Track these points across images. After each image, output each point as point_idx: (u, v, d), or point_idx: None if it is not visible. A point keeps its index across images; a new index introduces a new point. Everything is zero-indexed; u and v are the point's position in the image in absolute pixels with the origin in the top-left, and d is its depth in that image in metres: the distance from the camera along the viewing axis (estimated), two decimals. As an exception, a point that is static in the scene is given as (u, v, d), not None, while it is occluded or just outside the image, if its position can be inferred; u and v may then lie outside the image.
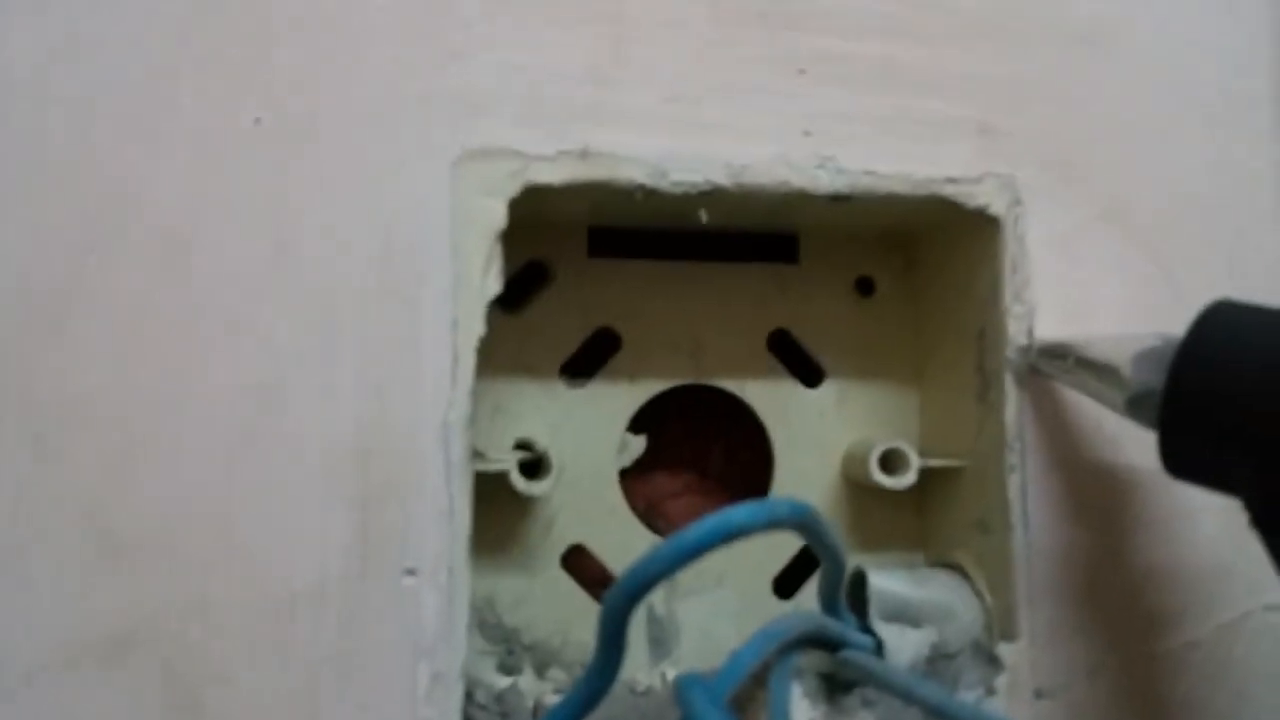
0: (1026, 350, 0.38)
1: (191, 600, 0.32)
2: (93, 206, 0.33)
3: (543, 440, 0.40)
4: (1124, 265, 0.40)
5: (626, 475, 0.43)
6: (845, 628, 0.36)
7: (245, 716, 0.32)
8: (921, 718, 0.37)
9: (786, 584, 0.44)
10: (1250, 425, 0.29)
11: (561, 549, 0.42)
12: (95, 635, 0.31)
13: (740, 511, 0.27)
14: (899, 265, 0.45)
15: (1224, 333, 0.31)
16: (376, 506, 0.33)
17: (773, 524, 0.27)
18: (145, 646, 0.32)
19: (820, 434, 0.45)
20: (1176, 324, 0.40)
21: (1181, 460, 0.32)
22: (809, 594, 0.44)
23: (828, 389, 0.45)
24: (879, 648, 0.37)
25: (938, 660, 0.38)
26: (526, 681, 0.39)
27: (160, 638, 0.32)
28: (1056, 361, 0.37)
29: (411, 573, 0.33)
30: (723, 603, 0.43)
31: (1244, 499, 0.30)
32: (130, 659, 0.32)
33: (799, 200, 0.38)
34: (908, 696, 0.31)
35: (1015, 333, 0.39)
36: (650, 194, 0.36)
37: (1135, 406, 0.33)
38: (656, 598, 0.42)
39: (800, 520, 0.28)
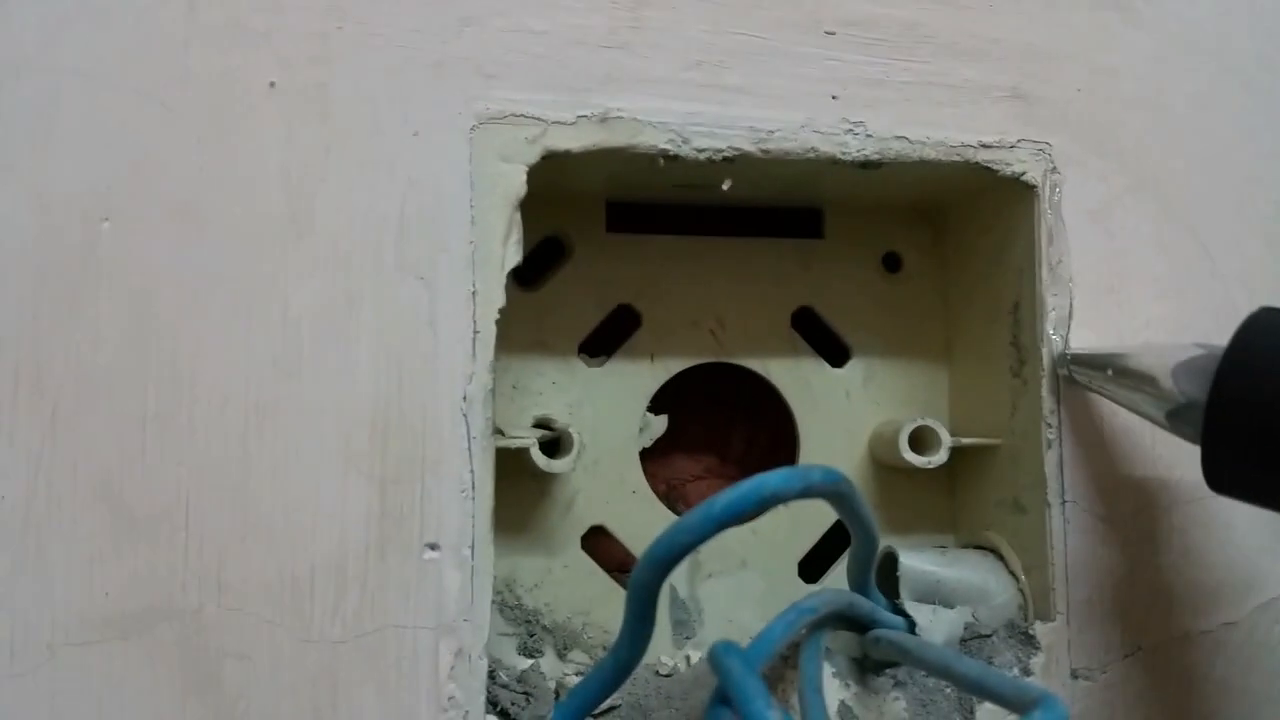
0: (1061, 359, 0.37)
1: (208, 576, 0.31)
2: (105, 178, 0.32)
3: (562, 420, 0.40)
4: (1160, 238, 0.39)
5: (646, 457, 0.42)
6: (876, 607, 0.35)
7: (264, 694, 0.31)
8: (953, 700, 0.36)
9: (812, 567, 0.43)
10: None
11: (582, 530, 0.41)
12: (113, 610, 0.31)
13: (775, 477, 0.26)
14: (927, 239, 0.44)
15: (1268, 340, 0.30)
16: (395, 481, 0.32)
17: (807, 491, 0.26)
18: (163, 622, 0.31)
19: (846, 414, 0.44)
20: (1213, 298, 0.39)
21: (1226, 476, 0.31)
22: (836, 578, 0.42)
23: (854, 367, 0.44)
24: (911, 629, 0.36)
25: (972, 641, 0.37)
26: (548, 664, 0.38)
27: (178, 613, 0.31)
28: (1092, 372, 0.36)
29: (434, 547, 0.32)
30: (747, 585, 0.42)
31: None
32: (148, 634, 0.31)
33: (827, 168, 0.37)
34: (945, 672, 0.30)
35: (1052, 306, 0.38)
36: (672, 161, 0.35)
37: (1176, 419, 0.32)
38: (679, 579, 0.41)
39: (834, 488, 0.27)
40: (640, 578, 0.27)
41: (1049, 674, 0.36)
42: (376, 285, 0.33)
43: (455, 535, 0.33)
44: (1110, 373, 0.35)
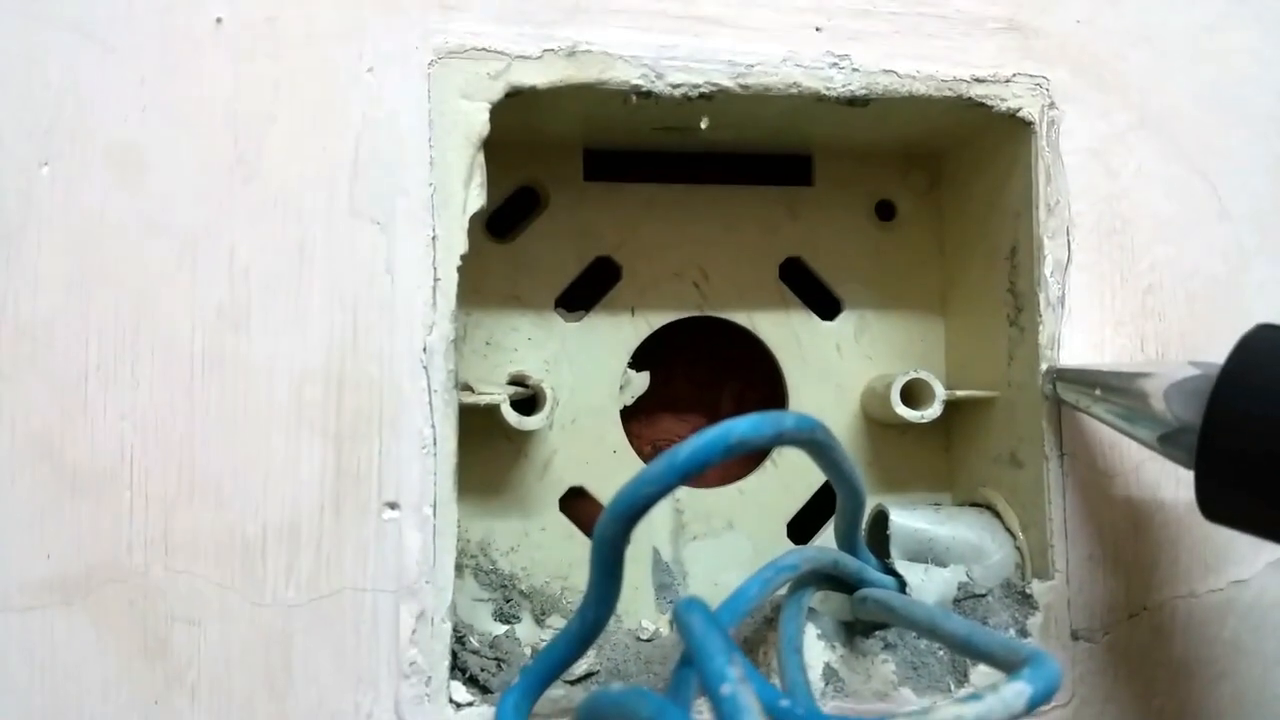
0: (1046, 375, 0.35)
1: (155, 537, 0.30)
2: (44, 119, 0.31)
3: (538, 377, 0.38)
4: (1165, 177, 0.37)
5: (629, 415, 0.40)
6: (864, 566, 0.33)
7: (215, 660, 0.30)
8: (945, 663, 0.34)
9: (801, 528, 0.41)
10: None
11: (560, 491, 0.39)
12: (56, 573, 0.29)
13: (743, 423, 0.24)
14: (922, 185, 0.42)
15: (1266, 361, 0.28)
16: (351, 436, 0.31)
17: (778, 438, 0.24)
18: (108, 585, 0.29)
19: (838, 368, 0.42)
20: (1221, 240, 0.37)
21: (1220, 505, 0.29)
22: (826, 540, 0.41)
23: (845, 320, 0.42)
24: (902, 589, 0.34)
25: (966, 601, 0.35)
26: (525, 629, 0.36)
27: (123, 576, 0.29)
28: (1079, 390, 0.33)
29: (393, 506, 0.31)
30: (733, 547, 0.40)
31: None
32: (93, 598, 0.29)
33: (811, 106, 0.35)
34: (932, 631, 0.28)
35: (1050, 250, 0.35)
36: (645, 98, 0.33)
37: (1169, 443, 0.30)
38: (662, 541, 0.40)
39: (809, 435, 0.25)
40: (604, 532, 0.25)
41: (1047, 635, 0.34)
42: (329, 230, 0.31)
43: (416, 494, 0.31)
44: (1099, 392, 0.32)
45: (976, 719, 0.22)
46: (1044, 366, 0.35)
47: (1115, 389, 0.32)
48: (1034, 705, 0.23)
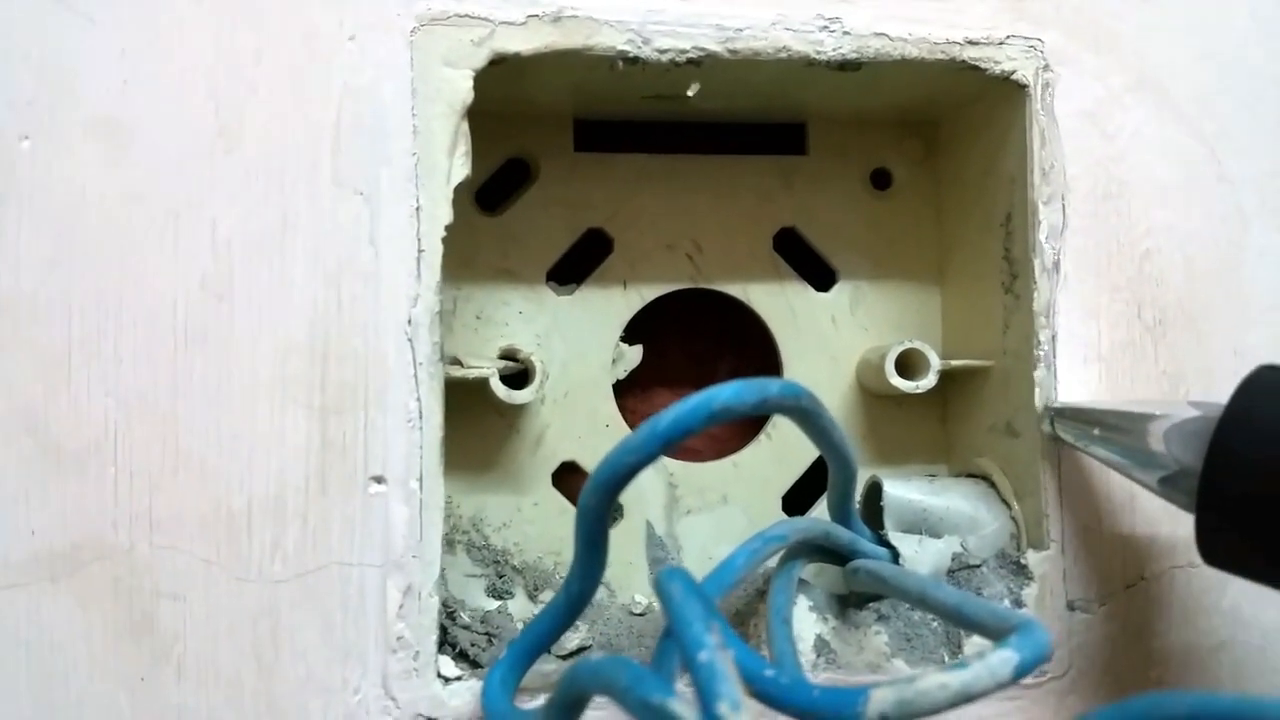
0: (1044, 413, 0.34)
1: (140, 513, 0.30)
2: (24, 94, 0.30)
3: (530, 351, 0.37)
4: (1163, 140, 0.36)
5: (622, 389, 0.40)
6: (856, 537, 0.33)
7: (201, 635, 0.29)
8: (939, 635, 0.34)
9: (797, 502, 0.41)
10: None
11: (553, 466, 0.39)
12: (40, 550, 0.29)
13: (726, 390, 0.24)
14: (918, 153, 0.42)
15: (1269, 404, 0.27)
16: (336, 410, 0.30)
17: (762, 405, 0.24)
18: (94, 562, 0.29)
19: (833, 340, 0.41)
20: (1221, 204, 0.37)
21: (1221, 550, 0.28)
22: (822, 513, 0.40)
23: (840, 291, 0.41)
24: (896, 561, 0.34)
25: (960, 572, 0.34)
26: (518, 605, 0.36)
27: (109, 552, 0.29)
28: (1078, 429, 0.33)
29: (379, 480, 0.30)
30: (727, 521, 0.40)
31: None
32: (78, 575, 0.29)
33: (803, 71, 0.35)
34: (922, 600, 0.27)
35: (1045, 215, 0.35)
36: (633, 64, 0.33)
37: (1169, 486, 0.29)
38: (656, 516, 0.39)
39: (795, 403, 0.25)
40: (587, 502, 0.25)
41: (1043, 605, 0.34)
42: (312, 201, 0.31)
43: (402, 468, 0.31)
44: (1098, 432, 0.32)
45: (962, 687, 0.22)
46: (1040, 406, 0.34)
47: (1114, 428, 0.31)
48: (1021, 673, 0.23)
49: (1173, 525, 0.35)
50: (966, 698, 0.22)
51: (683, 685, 0.28)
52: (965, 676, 0.22)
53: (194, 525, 0.30)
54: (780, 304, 0.41)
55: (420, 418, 0.31)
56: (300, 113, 0.31)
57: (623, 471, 0.24)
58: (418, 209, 0.31)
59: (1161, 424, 0.29)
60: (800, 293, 0.41)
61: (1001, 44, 0.35)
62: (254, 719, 0.29)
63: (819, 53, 0.34)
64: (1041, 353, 0.34)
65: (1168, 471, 0.29)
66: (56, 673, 0.29)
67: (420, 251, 0.31)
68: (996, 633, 0.24)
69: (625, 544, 0.39)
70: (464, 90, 0.31)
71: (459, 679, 0.31)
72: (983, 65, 0.35)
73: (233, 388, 0.30)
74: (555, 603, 0.28)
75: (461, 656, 0.32)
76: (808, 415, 0.26)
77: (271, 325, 0.30)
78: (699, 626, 0.20)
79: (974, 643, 0.33)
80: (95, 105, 0.31)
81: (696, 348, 0.43)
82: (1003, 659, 0.22)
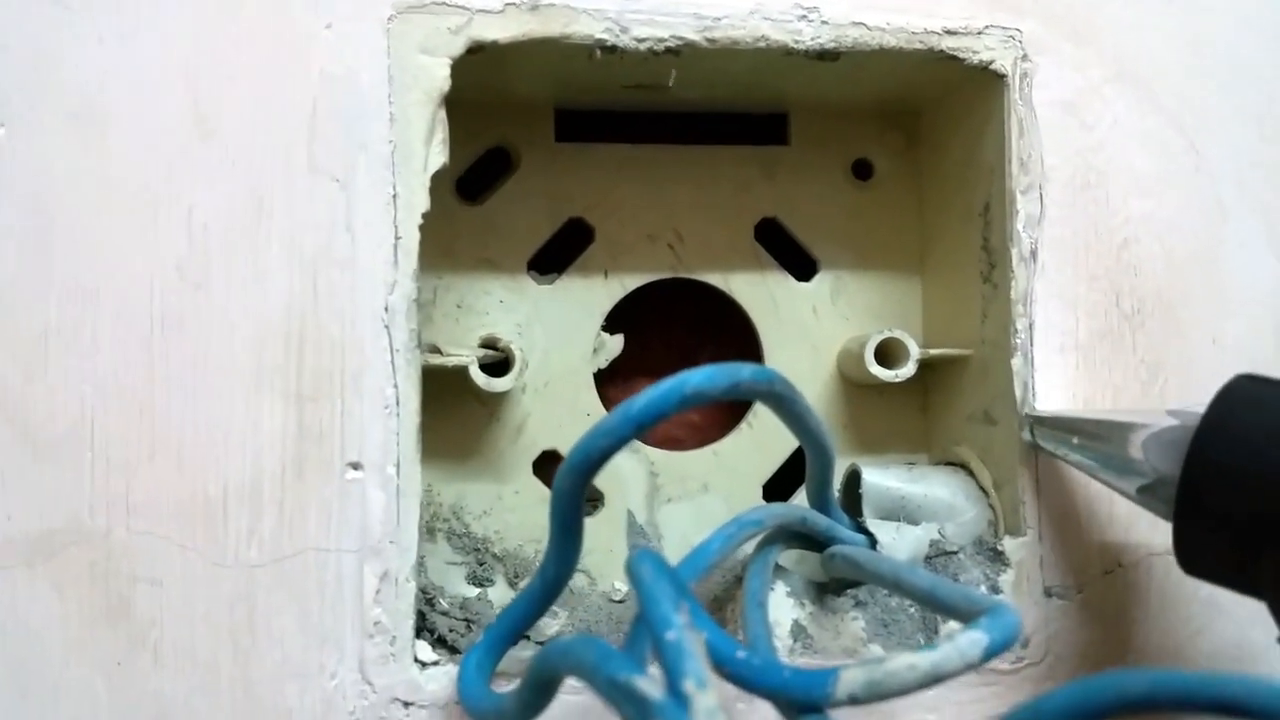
0: (1023, 421, 0.34)
1: (116, 498, 0.30)
2: (2, 80, 0.30)
3: (510, 340, 0.37)
4: (1142, 130, 0.36)
5: (603, 379, 0.40)
6: (834, 524, 0.33)
7: (178, 620, 0.29)
8: (917, 620, 0.34)
9: (777, 491, 0.41)
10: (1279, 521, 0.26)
11: (534, 455, 0.39)
12: (17, 535, 0.29)
13: (698, 374, 0.24)
14: (899, 144, 0.42)
15: (1246, 414, 0.27)
16: (313, 397, 0.30)
17: (734, 389, 0.24)
18: (70, 547, 0.29)
19: (814, 330, 0.41)
20: (1200, 195, 0.37)
21: (1200, 559, 0.28)
22: (803, 502, 0.40)
23: (821, 281, 0.42)
24: (873, 547, 0.34)
25: (937, 559, 0.35)
26: (498, 593, 0.36)
27: (85, 537, 0.29)
28: (1057, 437, 0.33)
29: (356, 467, 0.31)
30: (708, 510, 0.40)
31: (1270, 603, 0.26)
32: (54, 560, 0.29)
33: (782, 61, 0.35)
34: (896, 585, 0.28)
35: (1023, 204, 0.35)
36: (611, 53, 0.33)
37: (1148, 495, 0.30)
38: (637, 504, 0.40)
39: (768, 387, 0.25)
40: (562, 485, 0.25)
41: (1020, 591, 0.34)
42: (288, 188, 0.31)
43: (379, 454, 0.31)
44: (1076, 440, 0.32)
45: (931, 668, 0.22)
46: (1023, 411, 0.34)
47: (1093, 436, 0.31)
48: (991, 654, 0.23)
49: (1150, 514, 0.36)
50: (936, 679, 0.22)
51: (656, 671, 0.28)
52: (934, 657, 0.22)
53: (170, 511, 0.30)
54: (761, 294, 0.41)
55: (397, 404, 0.31)
56: (277, 100, 0.31)
57: (596, 455, 0.24)
58: (394, 196, 0.31)
59: (1140, 433, 0.30)
60: (781, 283, 0.41)
61: (980, 34, 0.35)
62: (230, 704, 0.29)
63: (797, 42, 0.34)
64: (1019, 341, 0.35)
65: (1146, 480, 0.29)
66: (32, 658, 0.29)
67: (397, 239, 0.31)
68: (968, 615, 0.24)
69: (606, 532, 0.39)
70: (441, 78, 0.32)
71: (436, 664, 0.31)
72: (961, 55, 0.35)
73: (209, 374, 0.30)
74: (531, 587, 0.28)
75: (440, 642, 0.32)
76: (781, 400, 0.26)
77: (248, 312, 0.30)
78: (667, 606, 0.20)
79: (951, 628, 0.33)
80: (72, 93, 0.31)
81: (677, 337, 0.43)
82: (972, 640, 0.23)
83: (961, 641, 0.22)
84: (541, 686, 0.23)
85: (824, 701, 0.23)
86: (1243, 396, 0.28)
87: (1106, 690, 0.18)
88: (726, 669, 0.24)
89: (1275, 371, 0.29)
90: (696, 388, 0.24)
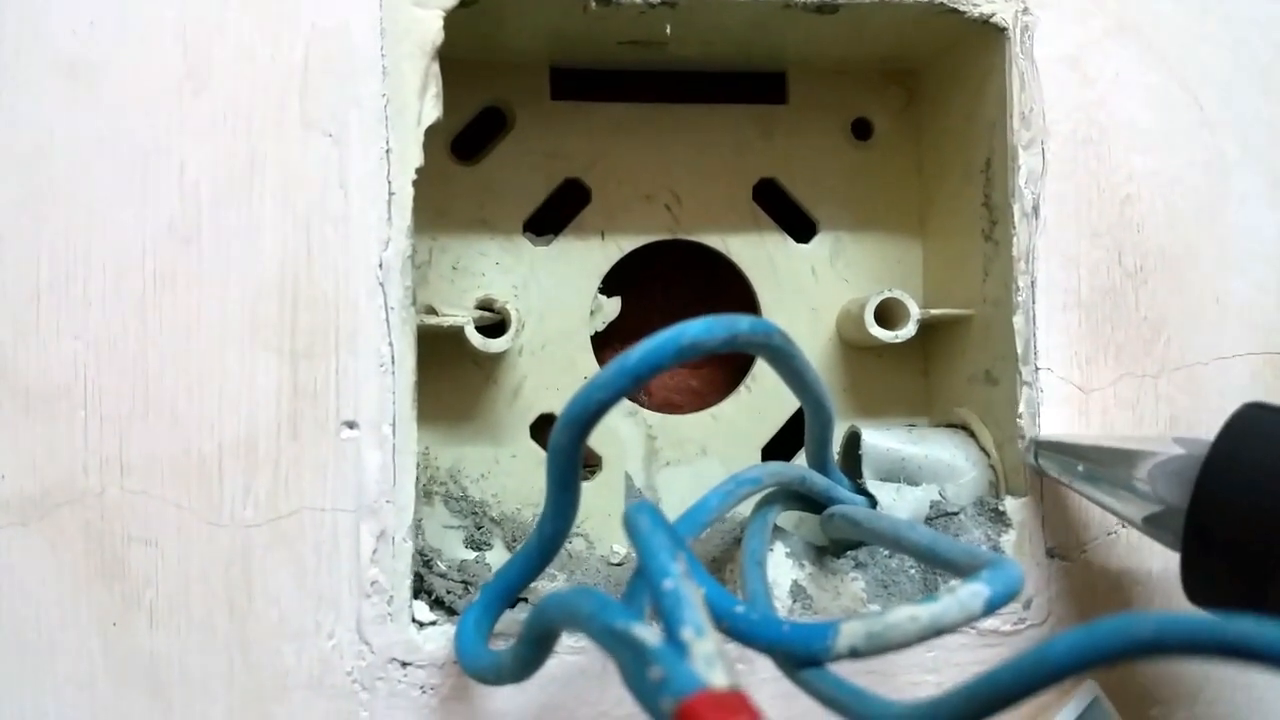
0: (1028, 446, 0.34)
1: (110, 457, 0.29)
2: (-13, 34, 0.30)
3: (507, 302, 0.37)
4: (1144, 84, 0.36)
5: (601, 341, 0.40)
6: (833, 484, 0.33)
7: (173, 580, 0.29)
8: (916, 581, 0.34)
9: (777, 455, 0.41)
10: None
11: (531, 418, 0.39)
12: (10, 494, 0.29)
13: (695, 325, 0.23)
14: (899, 103, 0.41)
15: (1255, 445, 0.27)
16: (308, 355, 0.30)
17: (732, 341, 0.24)
18: (64, 506, 0.29)
19: (813, 292, 0.41)
20: (1203, 150, 0.36)
21: (1208, 591, 0.28)
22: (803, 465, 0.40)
23: (821, 242, 0.41)
24: (873, 508, 0.34)
25: (938, 519, 0.34)
26: (495, 556, 0.36)
27: (79, 497, 0.29)
28: (1062, 463, 0.32)
29: (351, 425, 0.30)
30: (706, 473, 0.40)
31: None
32: (48, 519, 0.29)
33: (780, 15, 0.34)
34: (895, 542, 0.27)
35: (1024, 160, 0.35)
36: (605, 4, 0.32)
37: (1155, 525, 0.29)
38: (635, 468, 0.39)
39: (765, 339, 0.25)
40: (558, 441, 0.25)
41: (1021, 552, 0.34)
42: (280, 143, 0.30)
43: (374, 412, 0.30)
44: (1081, 467, 0.32)
45: (931, 619, 0.22)
46: (1026, 439, 0.34)
47: (1099, 464, 0.31)
48: (992, 608, 0.23)
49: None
50: (936, 630, 0.22)
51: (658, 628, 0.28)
52: (935, 609, 0.22)
53: (165, 469, 0.29)
54: (760, 255, 0.41)
55: (392, 362, 0.31)
56: (268, 54, 0.30)
57: (593, 408, 0.24)
58: (388, 151, 0.31)
59: (1146, 462, 0.29)
60: (780, 244, 0.41)
61: (981, -14, 0.34)
62: (227, 664, 0.29)
63: (796, -6, 0.33)
64: (1020, 299, 0.34)
65: (1153, 510, 0.29)
66: (28, 617, 0.29)
67: (391, 194, 0.31)
68: (969, 570, 0.24)
69: (604, 495, 0.39)
70: (434, 30, 0.31)
71: (434, 624, 0.31)
72: (961, 8, 0.34)
73: (202, 331, 0.30)
74: (528, 545, 0.28)
75: (438, 604, 0.32)
76: (779, 354, 0.26)
77: (241, 268, 0.30)
78: (664, 556, 0.20)
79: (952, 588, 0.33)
80: (62, 46, 0.30)
81: (675, 299, 0.42)
82: (973, 592, 0.22)
83: (962, 594, 0.22)
84: (539, 640, 0.23)
85: (824, 655, 0.22)
86: (1251, 427, 0.27)
87: (1113, 635, 0.17)
88: (725, 624, 0.24)
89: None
90: (694, 339, 0.23)
